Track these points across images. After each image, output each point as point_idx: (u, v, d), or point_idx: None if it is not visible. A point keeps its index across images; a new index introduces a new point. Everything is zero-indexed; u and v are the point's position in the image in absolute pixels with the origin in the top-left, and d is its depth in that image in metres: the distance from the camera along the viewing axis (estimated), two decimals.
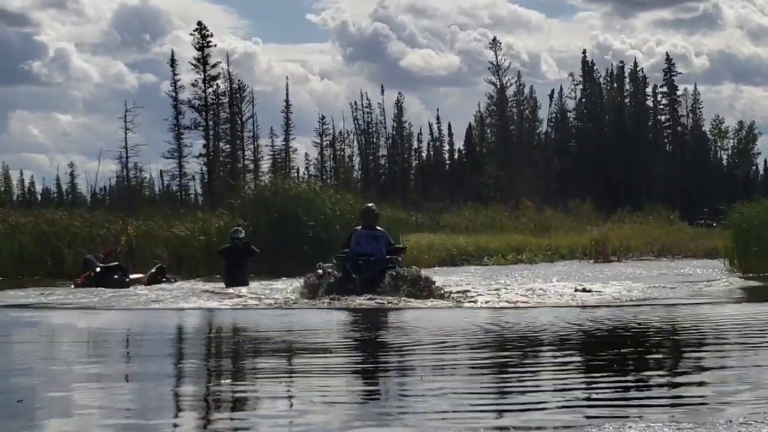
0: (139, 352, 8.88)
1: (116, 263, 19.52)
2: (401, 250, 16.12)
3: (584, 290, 15.92)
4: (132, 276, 19.31)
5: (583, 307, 12.59)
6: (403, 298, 13.60)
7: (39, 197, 74.42)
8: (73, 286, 18.47)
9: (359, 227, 15.54)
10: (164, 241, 25.68)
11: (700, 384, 5.95)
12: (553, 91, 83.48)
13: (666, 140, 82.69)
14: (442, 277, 16.54)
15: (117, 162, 64.35)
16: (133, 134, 62.61)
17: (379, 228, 15.43)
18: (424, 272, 15.02)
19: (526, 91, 78.44)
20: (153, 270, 19.97)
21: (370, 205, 16.27)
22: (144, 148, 68.70)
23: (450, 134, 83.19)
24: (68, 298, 15.95)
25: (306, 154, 77.93)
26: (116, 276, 18.76)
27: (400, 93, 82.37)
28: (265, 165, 70.29)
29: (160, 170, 67.90)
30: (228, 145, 65.87)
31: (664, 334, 9.27)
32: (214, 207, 33.36)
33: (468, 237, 35.29)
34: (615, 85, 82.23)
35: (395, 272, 14.32)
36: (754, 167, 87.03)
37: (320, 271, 14.64)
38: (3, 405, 5.46)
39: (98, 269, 18.83)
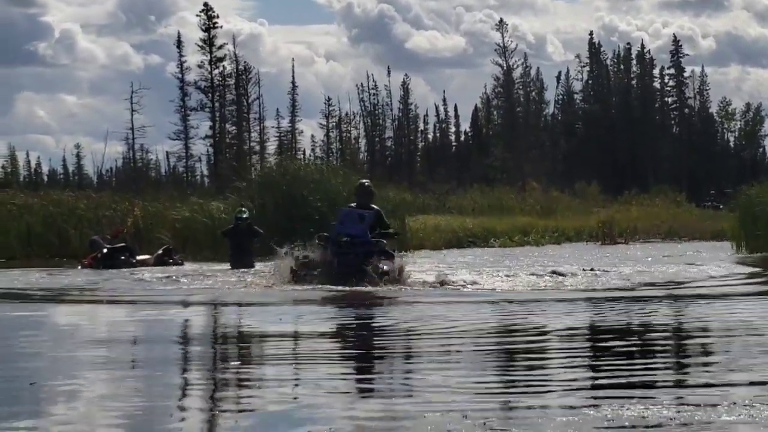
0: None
1: (123, 244, 19.55)
2: (390, 235, 14.41)
3: (591, 270, 16.02)
4: (139, 257, 19.34)
5: (591, 292, 12.60)
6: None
7: (45, 178, 74.58)
8: (80, 267, 18.50)
9: (353, 204, 14.36)
10: (170, 222, 25.72)
11: (705, 366, 5.96)
12: (560, 72, 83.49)
13: (673, 122, 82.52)
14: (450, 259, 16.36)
15: (123, 143, 64.79)
16: (139, 116, 63.03)
17: (374, 206, 14.21)
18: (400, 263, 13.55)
19: (533, 72, 78.53)
20: (160, 251, 19.97)
21: (364, 181, 15.02)
22: (150, 130, 68.91)
23: (456, 116, 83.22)
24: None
25: (312, 136, 78.13)
26: (123, 257, 18.80)
27: (406, 75, 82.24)
28: (271, 147, 70.53)
29: (167, 152, 68.21)
30: (234, 127, 65.93)
31: (669, 320, 9.27)
32: (221, 189, 33.41)
33: (474, 219, 35.37)
34: (622, 66, 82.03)
35: (370, 266, 13.03)
36: (761, 149, 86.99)
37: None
38: (16, 388, 5.47)
39: (105, 250, 18.85)
